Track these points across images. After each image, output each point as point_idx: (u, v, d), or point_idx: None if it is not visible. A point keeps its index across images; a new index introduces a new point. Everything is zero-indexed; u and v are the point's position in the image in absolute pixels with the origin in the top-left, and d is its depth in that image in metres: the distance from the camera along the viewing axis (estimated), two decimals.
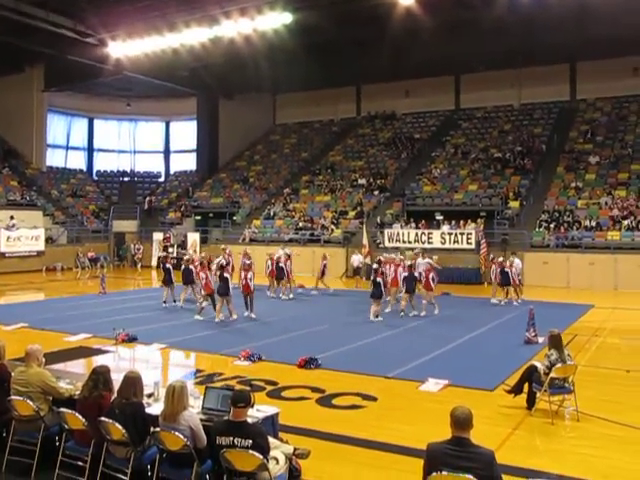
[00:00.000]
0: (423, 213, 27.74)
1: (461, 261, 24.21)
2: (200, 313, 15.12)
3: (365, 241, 24.52)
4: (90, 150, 41.37)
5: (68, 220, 33.04)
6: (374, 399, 8.54)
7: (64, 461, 5.74)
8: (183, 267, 16.96)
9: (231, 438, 5.01)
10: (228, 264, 15.31)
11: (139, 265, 31.50)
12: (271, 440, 5.35)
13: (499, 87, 34.56)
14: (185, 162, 41.87)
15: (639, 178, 26.45)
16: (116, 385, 5.77)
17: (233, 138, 39.70)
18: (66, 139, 40.31)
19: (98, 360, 10.61)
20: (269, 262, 19.53)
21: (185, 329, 13.79)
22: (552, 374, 7.65)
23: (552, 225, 24.89)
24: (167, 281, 17.13)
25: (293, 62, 30.30)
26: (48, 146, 37.70)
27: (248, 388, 8.28)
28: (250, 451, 4.92)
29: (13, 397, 6.08)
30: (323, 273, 20.33)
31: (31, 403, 6.00)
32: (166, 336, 12.68)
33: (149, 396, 6.13)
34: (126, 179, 41.02)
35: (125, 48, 27.38)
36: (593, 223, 24.27)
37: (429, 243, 24.79)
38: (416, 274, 16.01)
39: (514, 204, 27.05)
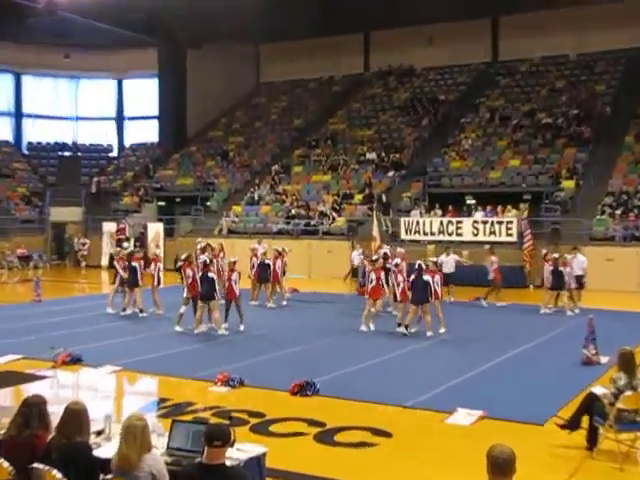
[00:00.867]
0: (450, 197, 27.65)
1: (499, 258, 24.17)
2: (179, 323, 15.33)
3: (375, 232, 24.45)
4: (18, 116, 41.20)
5: None
6: (388, 435, 8.54)
7: None
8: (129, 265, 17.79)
9: None
10: (211, 262, 15.53)
11: (83, 264, 31.38)
12: None
13: (550, 32, 34.38)
14: (144, 132, 41.81)
15: None
16: (54, 420, 5.72)
17: (206, 101, 39.60)
18: None
19: (31, 389, 10.54)
20: (254, 259, 19.53)
21: (147, 345, 13.80)
22: (620, 404, 7.64)
23: (618, 211, 24.90)
24: (132, 282, 17.62)
25: (282, 1, 30.19)
26: None
27: (227, 422, 8.27)
28: None
29: None
30: (284, 272, 20.05)
31: None
32: (122, 355, 12.67)
33: (98, 434, 6.10)
34: (67, 154, 40.93)
35: None
36: None
37: (457, 235, 24.75)
38: (427, 278, 15.09)
39: (568, 184, 27.03)
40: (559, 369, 11.85)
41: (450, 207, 26.71)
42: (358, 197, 29.90)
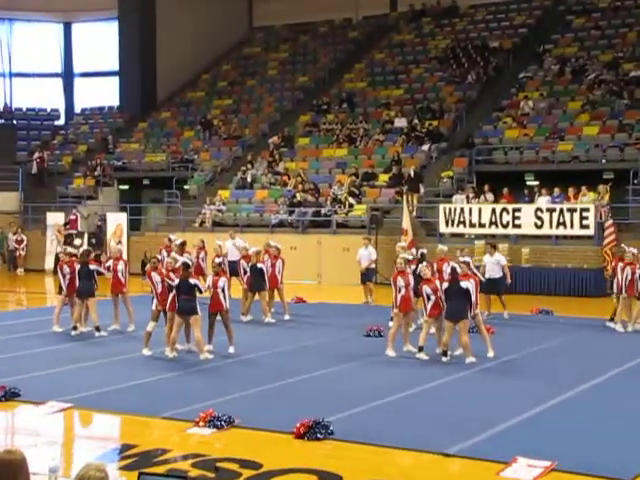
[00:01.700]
0: (505, 176, 27.70)
1: (570, 257, 24.18)
2: (147, 344, 15.34)
3: (406, 224, 24.47)
4: None
5: None
6: None
7: None
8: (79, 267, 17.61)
9: None
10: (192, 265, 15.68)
11: (20, 269, 31.45)
12: None
13: None
14: (101, 94, 42.00)
15: None
16: None
17: (182, 52, 39.68)
18: None
19: None
20: (243, 262, 19.58)
21: (106, 375, 13.75)
22: None
23: None
24: (85, 292, 17.42)
25: None
26: None
27: (212, 475, 8.23)
28: None
29: None
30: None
31: None
32: (72, 388, 12.62)
33: None
34: None
35: None
36: None
37: (515, 227, 24.72)
38: (466, 285, 14.82)
39: None
40: None
41: (505, 190, 26.74)
42: (383, 178, 29.91)
